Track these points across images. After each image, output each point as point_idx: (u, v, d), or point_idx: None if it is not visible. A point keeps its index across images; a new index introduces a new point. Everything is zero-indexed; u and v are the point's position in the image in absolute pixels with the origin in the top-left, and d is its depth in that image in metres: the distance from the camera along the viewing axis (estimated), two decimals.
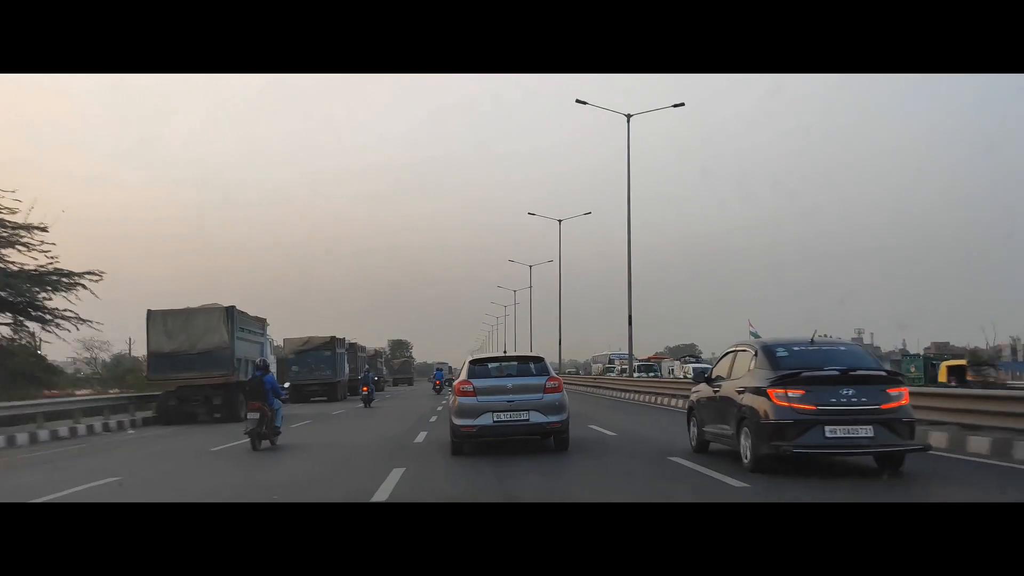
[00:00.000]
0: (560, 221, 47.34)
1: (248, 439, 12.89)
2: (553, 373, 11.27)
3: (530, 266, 61.18)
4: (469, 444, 11.09)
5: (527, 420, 10.67)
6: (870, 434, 7.80)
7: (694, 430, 10.52)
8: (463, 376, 11.30)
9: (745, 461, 8.45)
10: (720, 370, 9.87)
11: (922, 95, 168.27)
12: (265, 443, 13.04)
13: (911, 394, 8.41)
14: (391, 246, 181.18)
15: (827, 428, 7.78)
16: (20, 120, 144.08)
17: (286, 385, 16.08)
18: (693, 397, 10.83)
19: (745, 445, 8.46)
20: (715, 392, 9.69)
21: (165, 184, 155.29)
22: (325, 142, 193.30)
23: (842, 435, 7.79)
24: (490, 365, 11.70)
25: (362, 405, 27.19)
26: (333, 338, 35.47)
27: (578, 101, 30.80)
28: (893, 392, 7.99)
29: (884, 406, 7.85)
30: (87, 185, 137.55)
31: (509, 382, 11.01)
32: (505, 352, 14.87)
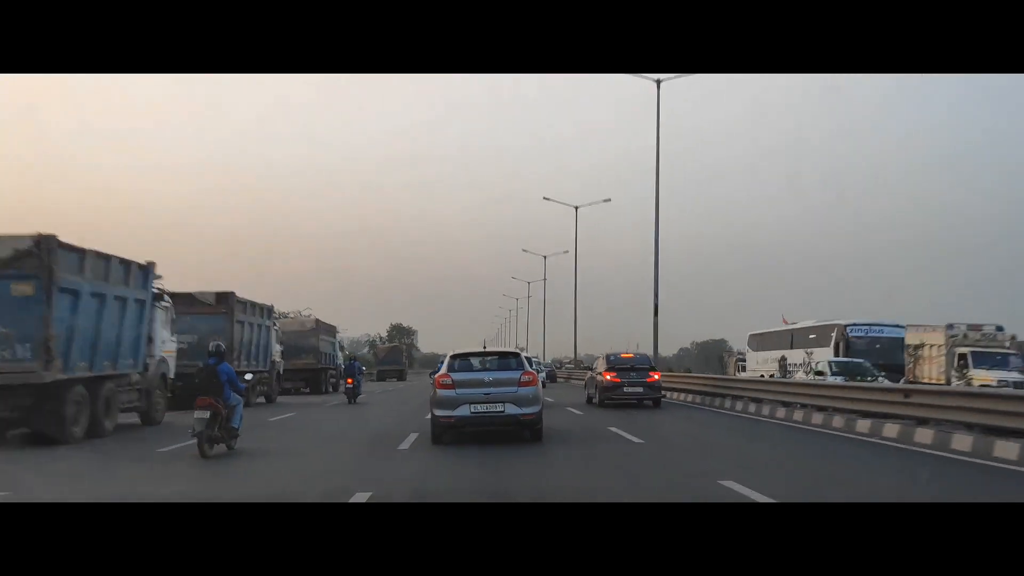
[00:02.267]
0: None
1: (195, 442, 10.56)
2: (528, 368, 12.21)
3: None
4: (449, 434, 11.86)
5: (502, 411, 11.46)
6: (641, 390, 19.32)
7: (585, 392, 22.11)
8: (443, 370, 12.03)
9: (595, 404, 19.94)
10: (594, 364, 21.52)
11: (977, 94, 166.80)
12: (219, 447, 11.02)
13: (664, 374, 20.21)
14: (409, 238, 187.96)
15: (625, 388, 19.27)
16: (80, 118, 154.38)
17: (248, 376, 13.16)
18: (587, 376, 22.47)
19: (597, 397, 19.98)
20: (593, 374, 21.25)
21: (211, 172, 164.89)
22: (349, 138, 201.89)
23: (631, 391, 19.28)
24: (470, 359, 12.43)
25: (346, 400, 24.39)
26: (40, 241, 11.37)
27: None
28: (653, 374, 19.53)
29: (648, 380, 19.36)
30: (143, 175, 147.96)
31: (487, 375, 11.81)
32: (485, 347, 15.99)
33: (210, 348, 11.53)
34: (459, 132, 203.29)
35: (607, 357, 20.28)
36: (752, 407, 17.97)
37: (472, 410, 11.45)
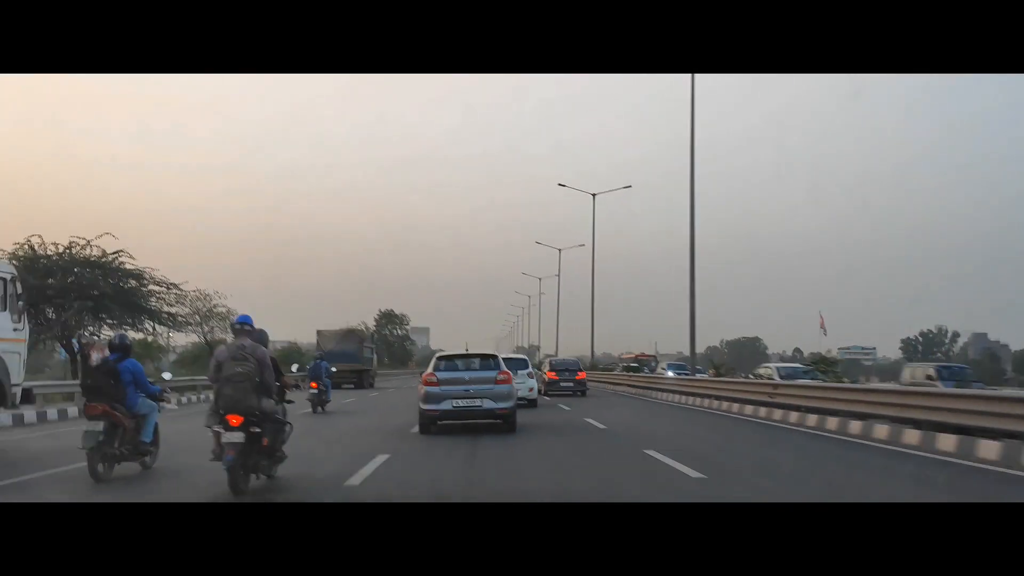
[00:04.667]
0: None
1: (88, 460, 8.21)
2: (504, 368, 13.51)
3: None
4: (434, 426, 13.20)
5: (480, 406, 12.91)
6: (572, 384, 28.59)
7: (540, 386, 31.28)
8: (430, 369, 13.45)
9: (542, 394, 29.01)
10: (541, 365, 30.66)
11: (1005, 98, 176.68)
12: (130, 465, 8.75)
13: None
14: (425, 238, 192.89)
15: (561, 383, 28.45)
16: (102, 119, 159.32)
17: (166, 375, 11.23)
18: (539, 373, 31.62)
19: (544, 389, 29.11)
20: (542, 373, 30.33)
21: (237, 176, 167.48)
22: (367, 140, 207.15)
23: (564, 385, 28.66)
24: (454, 360, 13.82)
25: (311, 409, 19.41)
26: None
27: None
28: (580, 374, 28.94)
29: (577, 377, 28.61)
30: (164, 177, 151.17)
31: (467, 374, 13.20)
32: (467, 350, 16.51)
33: (111, 340, 9.39)
34: (475, 135, 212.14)
35: (551, 360, 29.25)
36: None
37: (454, 404, 12.94)
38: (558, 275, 59.80)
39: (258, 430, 7.56)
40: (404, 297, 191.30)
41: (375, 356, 45.63)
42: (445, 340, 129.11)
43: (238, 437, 7.39)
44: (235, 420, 7.42)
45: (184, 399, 24.92)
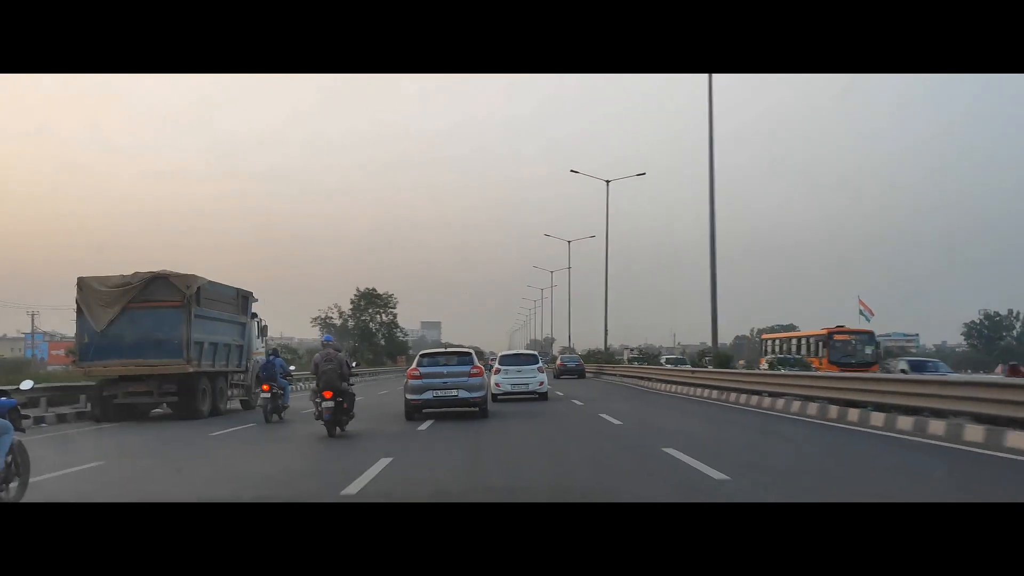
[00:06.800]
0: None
1: None
2: (477, 363, 15.39)
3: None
4: (418, 413, 15.12)
5: (456, 396, 14.81)
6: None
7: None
8: (413, 365, 15.51)
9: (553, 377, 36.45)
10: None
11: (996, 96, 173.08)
12: None
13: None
14: (429, 236, 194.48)
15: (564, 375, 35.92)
16: (93, 121, 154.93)
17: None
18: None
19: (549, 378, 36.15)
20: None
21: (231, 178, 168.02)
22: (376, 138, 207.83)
23: (565, 378, 36.33)
24: (435, 357, 15.86)
25: (263, 419, 15.65)
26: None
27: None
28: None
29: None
30: (159, 181, 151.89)
31: (445, 369, 15.11)
32: (447, 348, 18.60)
33: None
34: (475, 133, 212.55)
35: (549, 356, 36.15)
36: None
37: (434, 395, 14.89)
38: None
39: (340, 399, 11.91)
40: (413, 295, 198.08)
41: (249, 340, 20.58)
42: (457, 334, 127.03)
43: (331, 404, 11.76)
44: (328, 394, 11.85)
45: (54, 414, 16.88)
